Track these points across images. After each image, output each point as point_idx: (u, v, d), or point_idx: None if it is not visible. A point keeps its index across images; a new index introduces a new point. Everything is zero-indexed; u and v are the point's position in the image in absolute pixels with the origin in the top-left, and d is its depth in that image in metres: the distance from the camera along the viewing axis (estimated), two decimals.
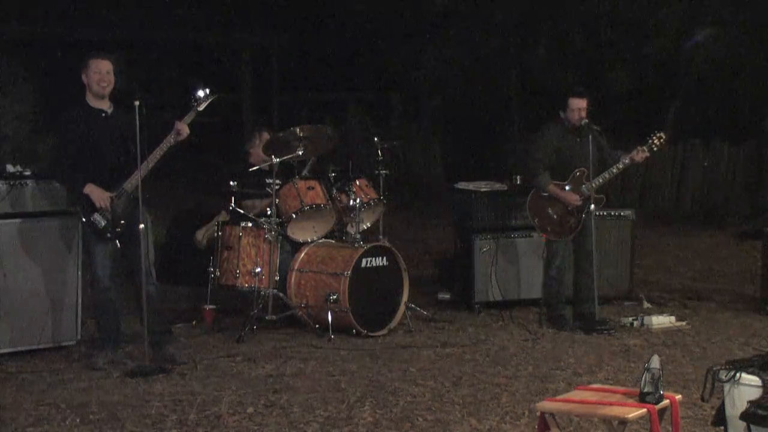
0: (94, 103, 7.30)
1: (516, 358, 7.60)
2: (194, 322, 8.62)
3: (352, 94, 20.20)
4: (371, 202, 8.82)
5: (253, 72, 19.95)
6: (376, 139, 9.17)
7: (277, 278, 8.48)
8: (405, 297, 8.59)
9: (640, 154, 8.63)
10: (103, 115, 7.29)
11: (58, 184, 7.53)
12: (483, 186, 9.63)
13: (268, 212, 8.48)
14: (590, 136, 8.48)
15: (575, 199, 8.63)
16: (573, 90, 9.05)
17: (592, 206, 8.61)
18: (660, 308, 9.41)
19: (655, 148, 8.67)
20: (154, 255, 7.53)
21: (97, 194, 7.15)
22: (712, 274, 11.49)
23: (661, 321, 8.68)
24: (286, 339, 8.19)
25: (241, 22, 19.85)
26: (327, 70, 20.41)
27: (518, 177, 9.61)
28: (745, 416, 4.75)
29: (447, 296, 9.65)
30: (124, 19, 18.29)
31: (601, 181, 8.63)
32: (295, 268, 8.52)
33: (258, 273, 8.39)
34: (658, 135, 8.66)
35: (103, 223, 7.17)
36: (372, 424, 6.00)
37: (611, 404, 4.85)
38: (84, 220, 7.21)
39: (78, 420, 6.05)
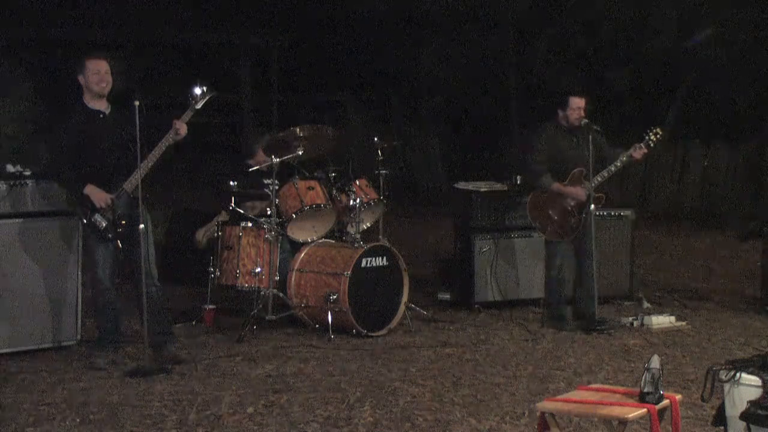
0: (91, 104, 7.29)
1: (516, 358, 7.60)
2: (194, 322, 8.62)
3: (352, 94, 20.20)
4: (371, 202, 8.82)
5: (253, 72, 19.95)
6: (376, 139, 9.16)
7: (277, 278, 8.48)
8: (405, 297, 8.59)
9: (639, 152, 8.65)
10: (101, 116, 7.28)
11: (58, 185, 7.53)
12: (483, 186, 9.63)
13: (268, 212, 8.49)
14: (590, 136, 8.48)
15: (581, 193, 8.61)
16: (573, 89, 9.05)
17: (592, 206, 8.60)
18: (660, 308, 9.41)
19: (652, 144, 8.68)
20: (155, 255, 7.52)
21: (97, 195, 7.15)
22: (712, 274, 11.49)
23: (661, 321, 8.68)
24: (286, 339, 8.19)
25: (241, 22, 19.85)
26: (327, 70, 20.41)
27: (518, 177, 9.61)
28: (745, 416, 4.75)
29: (447, 296, 9.65)
30: (124, 19, 18.30)
31: (600, 179, 8.63)
32: (295, 268, 8.52)
33: (258, 273, 8.39)
34: (654, 131, 8.68)
35: (104, 224, 7.17)
36: (372, 424, 6.00)
37: (611, 404, 4.85)
38: (84, 221, 7.21)
39: (78, 420, 6.05)
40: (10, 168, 7.63)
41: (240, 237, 8.44)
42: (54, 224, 7.65)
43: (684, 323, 8.75)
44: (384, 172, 9.01)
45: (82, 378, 7.01)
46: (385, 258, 8.54)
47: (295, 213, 8.49)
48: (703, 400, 5.15)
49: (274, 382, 6.89)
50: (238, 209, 8.66)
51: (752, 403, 4.75)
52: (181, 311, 8.85)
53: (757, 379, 4.83)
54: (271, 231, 8.40)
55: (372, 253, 8.44)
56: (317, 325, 8.37)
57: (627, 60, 17.53)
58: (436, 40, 18.65)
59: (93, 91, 7.25)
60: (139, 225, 7.07)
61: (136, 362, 7.24)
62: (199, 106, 7.27)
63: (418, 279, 10.07)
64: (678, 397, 5.03)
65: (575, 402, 4.95)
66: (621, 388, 5.26)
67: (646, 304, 9.53)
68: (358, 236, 8.58)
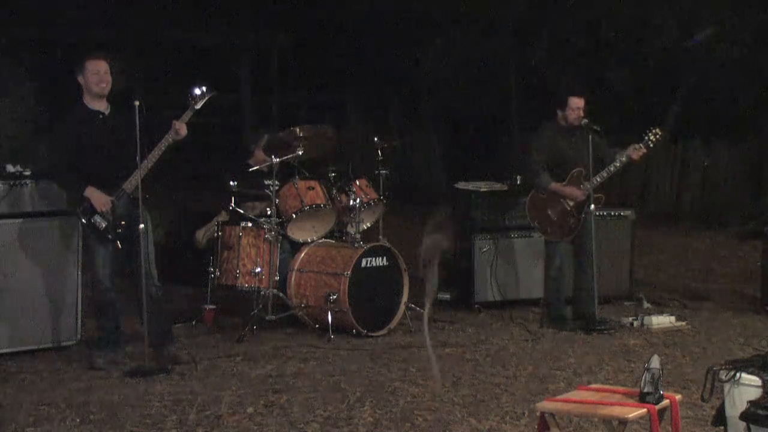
0: (91, 104, 7.29)
1: (516, 358, 7.60)
2: (194, 322, 8.62)
3: (352, 94, 20.19)
4: (371, 202, 8.83)
5: (253, 72, 19.94)
6: (376, 139, 9.17)
7: (277, 278, 8.48)
8: (405, 297, 8.59)
9: (638, 152, 8.64)
10: (101, 116, 7.28)
11: (58, 186, 7.53)
12: (483, 186, 9.64)
13: (268, 212, 8.49)
14: (589, 136, 8.48)
15: (579, 194, 8.61)
16: (572, 89, 9.06)
17: (592, 206, 8.60)
18: (660, 308, 9.41)
19: (651, 144, 8.67)
20: (155, 255, 7.52)
21: (98, 198, 7.14)
22: (712, 274, 11.49)
23: (661, 321, 8.68)
24: (286, 339, 8.19)
25: (241, 22, 19.84)
26: (327, 70, 20.40)
27: (518, 177, 9.62)
28: (745, 416, 4.75)
29: (447, 296, 9.65)
30: (124, 19, 18.29)
31: (599, 179, 8.63)
32: (295, 268, 8.52)
33: (258, 273, 8.39)
34: (654, 131, 8.67)
35: (103, 225, 7.17)
36: (372, 424, 6.00)
37: (611, 404, 4.85)
38: (84, 221, 7.20)
39: (78, 420, 6.05)
40: (10, 168, 7.63)
41: (240, 237, 8.44)
42: (54, 224, 7.65)
43: (684, 323, 8.76)
44: (384, 172, 9.01)
45: (82, 378, 7.01)
46: (385, 258, 8.54)
47: (295, 213, 8.49)
48: (703, 400, 5.15)
49: (274, 382, 6.89)
50: (238, 209, 8.66)
51: (752, 403, 4.75)
52: (181, 311, 8.85)
53: (757, 379, 4.83)
54: (271, 231, 8.40)
55: (372, 253, 8.44)
56: (317, 325, 8.37)
57: (627, 60, 17.52)
58: (436, 41, 18.64)
59: (93, 92, 7.24)
60: (138, 225, 7.07)
61: (136, 362, 7.24)
62: (198, 106, 7.26)
63: (418, 279, 10.06)
64: (678, 397, 5.03)
65: (575, 402, 4.95)
66: (621, 388, 5.26)
67: (646, 304, 9.53)
68: (358, 236, 8.59)
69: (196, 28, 19.25)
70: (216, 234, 8.64)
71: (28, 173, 7.62)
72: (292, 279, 8.50)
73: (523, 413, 6.18)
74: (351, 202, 8.68)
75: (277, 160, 8.47)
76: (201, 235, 9.24)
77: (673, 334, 8.42)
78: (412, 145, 18.36)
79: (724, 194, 16.21)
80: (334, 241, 8.79)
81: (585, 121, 8.56)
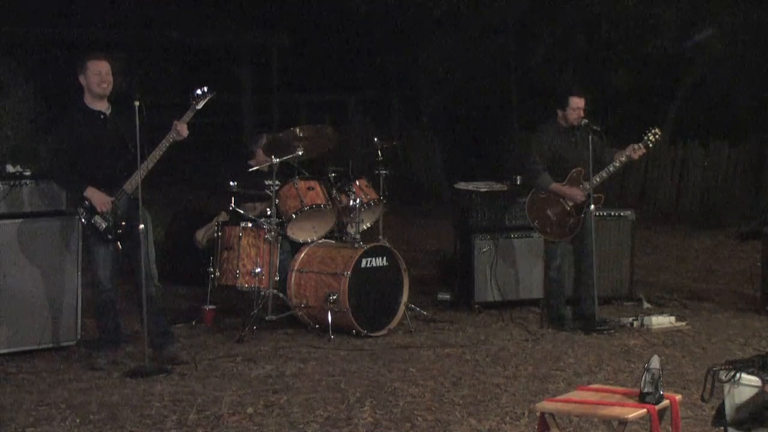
0: (92, 104, 7.28)
1: (516, 358, 7.60)
2: (194, 322, 8.62)
3: (352, 94, 20.21)
4: (371, 202, 8.82)
5: (253, 72, 19.97)
6: (376, 139, 9.17)
7: (277, 278, 8.48)
8: (405, 297, 8.59)
9: (637, 152, 8.65)
10: (102, 116, 7.27)
11: (58, 186, 7.53)
12: (482, 186, 9.63)
13: (268, 213, 8.49)
14: (589, 136, 8.48)
15: (579, 194, 8.61)
16: (573, 89, 9.06)
17: (592, 206, 8.60)
18: (660, 308, 9.41)
19: (650, 144, 8.67)
20: (155, 255, 7.52)
21: (98, 199, 7.13)
22: (712, 274, 11.48)
23: (661, 321, 8.68)
24: (286, 339, 8.19)
25: (241, 22, 19.86)
26: (327, 70, 20.42)
27: (518, 177, 9.62)
28: (745, 416, 4.75)
29: (447, 296, 9.64)
30: (124, 19, 18.31)
31: (599, 179, 8.62)
32: (295, 268, 8.51)
33: (258, 273, 8.39)
34: (653, 131, 8.67)
35: (104, 226, 7.16)
36: (372, 424, 6.00)
37: (611, 404, 4.85)
38: (84, 222, 7.20)
39: (78, 420, 6.05)
40: (9, 168, 7.63)
41: (240, 237, 8.44)
42: (54, 224, 7.65)
43: (684, 323, 8.75)
44: (384, 172, 9.01)
45: (82, 378, 7.01)
46: (385, 258, 8.53)
47: (295, 213, 8.49)
48: (703, 400, 5.14)
49: (274, 382, 6.89)
50: (238, 209, 8.66)
51: (752, 403, 4.75)
52: (181, 311, 8.86)
53: (757, 379, 4.82)
54: (271, 231, 8.41)
55: (372, 253, 8.44)
56: (317, 326, 8.37)
57: (627, 60, 17.53)
58: (436, 40, 18.65)
59: (94, 92, 7.24)
60: (139, 226, 7.07)
61: (136, 362, 7.24)
62: (199, 106, 7.26)
63: (418, 279, 10.07)
64: (678, 397, 5.03)
65: (575, 402, 4.95)
66: (621, 389, 5.26)
67: (646, 305, 9.53)
68: (358, 236, 8.58)
69: (196, 28, 19.27)
70: (216, 234, 8.64)
71: (28, 173, 7.61)
72: (292, 279, 8.50)
73: (523, 413, 6.18)
74: (351, 202, 8.67)
75: (277, 160, 8.47)
76: (201, 235, 9.24)
77: (673, 334, 8.42)
78: (412, 145, 18.39)
79: (724, 194, 16.20)
80: (334, 242, 8.79)
81: (585, 121, 8.56)
